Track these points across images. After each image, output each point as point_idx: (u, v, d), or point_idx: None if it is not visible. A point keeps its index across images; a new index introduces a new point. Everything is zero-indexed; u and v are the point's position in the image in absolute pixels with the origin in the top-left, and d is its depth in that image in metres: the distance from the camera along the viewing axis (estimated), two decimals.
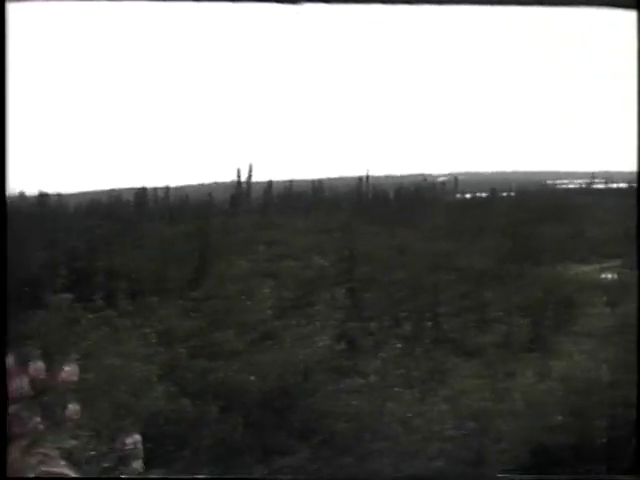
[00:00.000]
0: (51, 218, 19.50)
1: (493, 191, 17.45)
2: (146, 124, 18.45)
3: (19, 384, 3.29)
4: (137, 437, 3.79)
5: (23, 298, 15.74)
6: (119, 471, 4.63)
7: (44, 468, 3.15)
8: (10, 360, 3.30)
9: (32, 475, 3.13)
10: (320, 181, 18.93)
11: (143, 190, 18.90)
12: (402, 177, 17.98)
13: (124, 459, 4.04)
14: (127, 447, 3.77)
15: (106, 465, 4.95)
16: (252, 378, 12.46)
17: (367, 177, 18.11)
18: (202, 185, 18.61)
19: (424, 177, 17.74)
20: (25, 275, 16.91)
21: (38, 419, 3.53)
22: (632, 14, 2.30)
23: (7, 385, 3.27)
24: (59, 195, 20.02)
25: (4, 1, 2.01)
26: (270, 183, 18.27)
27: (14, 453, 3.18)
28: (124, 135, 18.11)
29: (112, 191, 20.06)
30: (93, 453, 4.54)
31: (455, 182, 18.03)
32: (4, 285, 2.14)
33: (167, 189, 18.93)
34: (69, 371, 3.57)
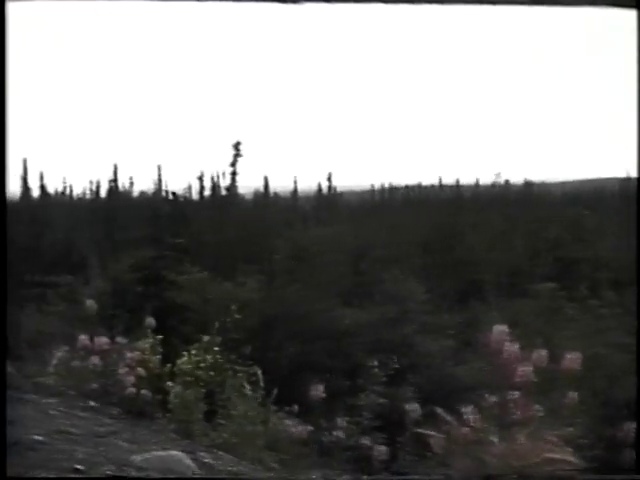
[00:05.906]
0: (534, 205, 19.88)
1: None
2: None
3: (524, 371, 3.46)
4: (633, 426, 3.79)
5: (505, 286, 16.25)
6: (610, 458, 4.60)
7: (548, 455, 3.27)
8: (515, 347, 3.48)
9: (536, 460, 3.26)
10: None
11: (628, 180, 18.58)
12: None
13: (616, 447, 4.06)
14: (622, 435, 3.79)
15: (597, 452, 4.98)
16: None
17: None
18: None
19: None
20: (506, 263, 17.48)
21: (537, 406, 3.67)
22: (632, 14, 2.13)
23: (512, 370, 3.46)
24: (543, 184, 20.37)
25: (4, 1, 2.10)
26: None
27: (520, 439, 3.34)
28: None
29: (594, 180, 19.94)
30: (584, 440, 4.58)
31: None
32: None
33: None
34: (572, 359, 3.67)
